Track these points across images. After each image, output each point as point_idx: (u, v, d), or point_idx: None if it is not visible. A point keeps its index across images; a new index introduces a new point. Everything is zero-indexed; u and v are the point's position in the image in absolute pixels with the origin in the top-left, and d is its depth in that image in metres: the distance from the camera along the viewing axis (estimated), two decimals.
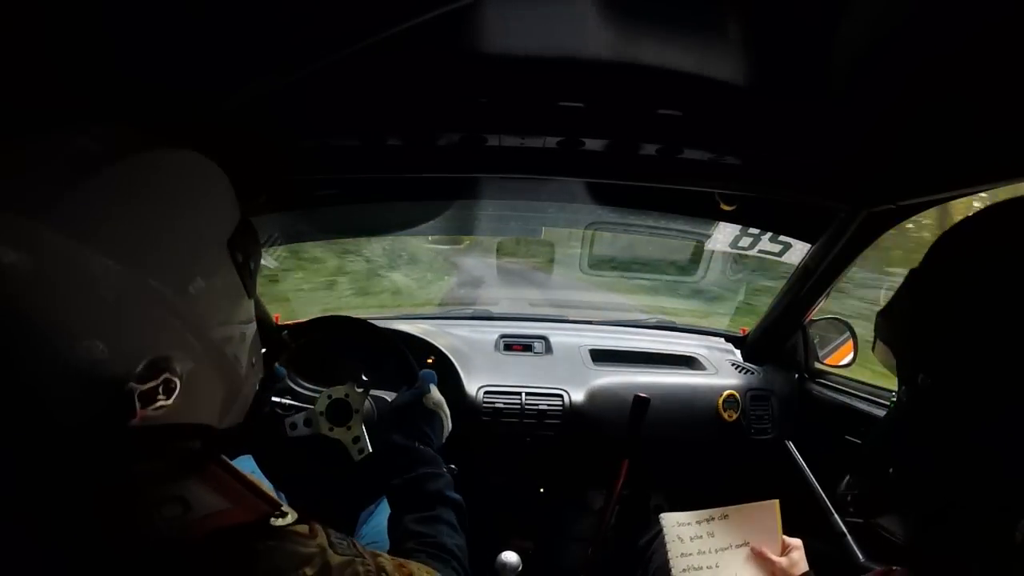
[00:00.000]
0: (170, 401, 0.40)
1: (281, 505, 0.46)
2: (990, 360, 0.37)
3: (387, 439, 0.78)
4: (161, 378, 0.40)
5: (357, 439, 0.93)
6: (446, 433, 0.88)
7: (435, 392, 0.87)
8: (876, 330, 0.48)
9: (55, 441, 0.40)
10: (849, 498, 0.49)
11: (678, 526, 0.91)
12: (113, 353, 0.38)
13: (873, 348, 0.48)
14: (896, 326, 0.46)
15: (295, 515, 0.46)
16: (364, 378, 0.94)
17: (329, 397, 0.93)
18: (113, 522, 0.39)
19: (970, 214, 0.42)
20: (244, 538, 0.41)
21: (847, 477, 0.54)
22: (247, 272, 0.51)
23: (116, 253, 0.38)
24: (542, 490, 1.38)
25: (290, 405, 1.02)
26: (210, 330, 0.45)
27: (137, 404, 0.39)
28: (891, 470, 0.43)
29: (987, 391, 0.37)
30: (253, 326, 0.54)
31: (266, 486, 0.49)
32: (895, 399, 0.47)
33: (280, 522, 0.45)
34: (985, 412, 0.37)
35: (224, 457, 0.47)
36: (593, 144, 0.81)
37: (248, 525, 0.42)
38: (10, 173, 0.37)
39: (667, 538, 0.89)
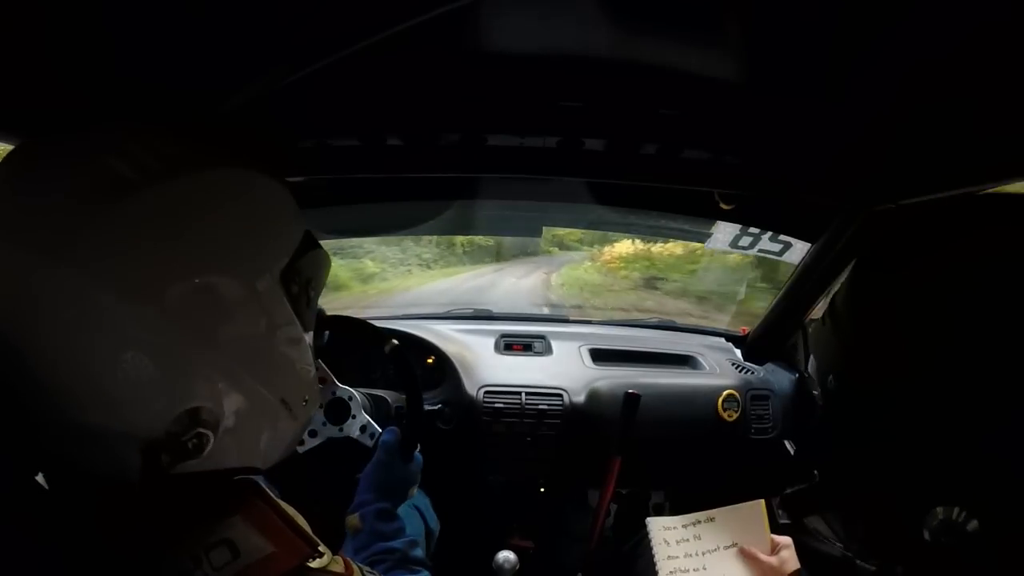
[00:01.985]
0: (203, 454, 0.39)
1: (318, 544, 0.45)
2: (884, 362, 0.38)
3: (376, 501, 0.75)
4: (191, 433, 0.38)
5: (364, 428, 0.94)
6: None
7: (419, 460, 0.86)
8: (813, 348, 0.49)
9: (84, 487, 0.38)
10: (778, 500, 0.50)
11: (664, 530, 0.91)
12: (135, 408, 0.36)
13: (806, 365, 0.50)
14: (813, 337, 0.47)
15: (330, 554, 0.46)
16: (374, 392, 0.95)
17: (333, 393, 0.94)
18: (152, 570, 0.37)
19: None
20: None
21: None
22: (303, 303, 0.46)
23: (137, 298, 0.34)
24: (542, 490, 1.38)
25: None
26: (254, 375, 0.42)
27: (165, 460, 0.37)
28: (815, 472, 0.44)
29: (883, 390, 0.38)
30: (308, 360, 0.49)
31: (300, 518, 0.47)
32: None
33: (317, 563, 0.44)
34: (884, 411, 0.38)
35: (268, 491, 0.46)
36: (593, 144, 0.81)
37: (288, 572, 0.41)
38: (28, 206, 0.34)
39: (653, 542, 0.90)
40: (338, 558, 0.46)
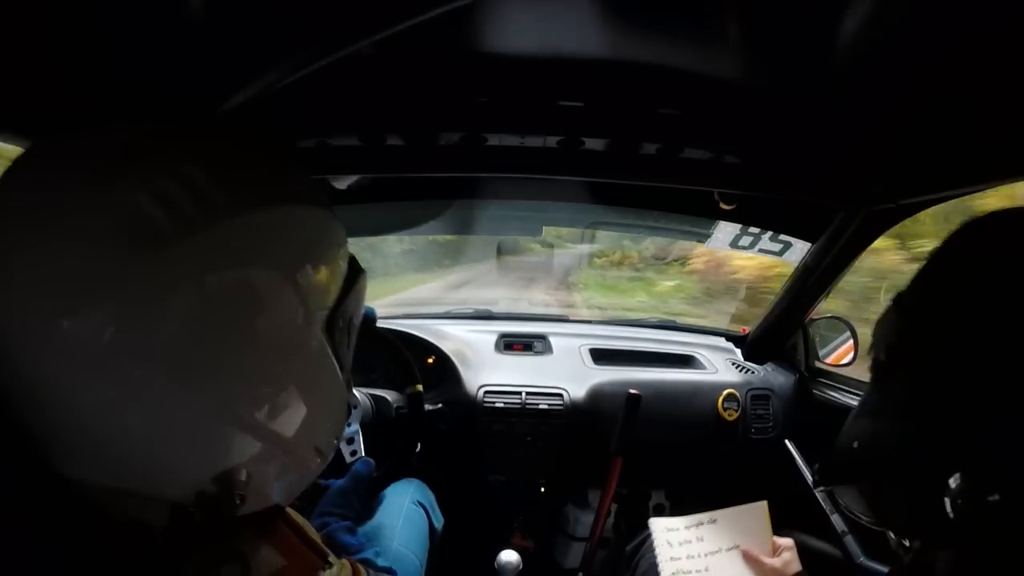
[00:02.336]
0: (237, 511, 0.37)
1: (328, 555, 0.44)
2: (933, 344, 0.39)
3: (347, 524, 0.73)
4: (227, 494, 0.36)
5: (351, 440, 0.93)
6: None
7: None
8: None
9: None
10: (816, 466, 0.51)
11: (667, 531, 0.91)
12: (170, 471, 0.34)
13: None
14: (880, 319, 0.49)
15: (339, 563, 0.45)
16: (376, 393, 0.94)
17: None
18: None
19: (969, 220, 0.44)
20: None
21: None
22: (344, 345, 0.44)
23: (176, 363, 0.32)
24: (543, 489, 1.38)
25: None
26: (292, 432, 0.39)
27: (199, 518, 0.36)
28: (855, 444, 0.45)
29: (929, 365, 0.39)
30: (343, 403, 0.47)
31: (311, 529, 0.46)
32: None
33: (327, 574, 0.43)
34: (933, 390, 0.39)
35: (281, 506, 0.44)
36: (593, 143, 0.81)
37: None
38: (41, 246, 0.30)
39: (656, 544, 0.90)
40: (345, 563, 0.46)
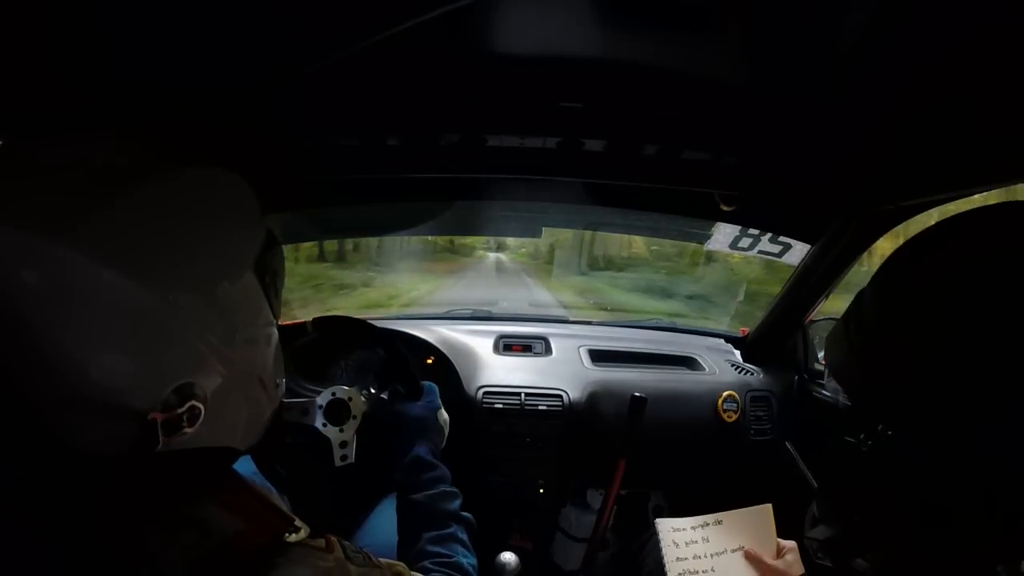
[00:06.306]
0: (194, 428, 0.40)
1: (294, 520, 0.45)
2: (950, 412, 0.36)
3: (408, 451, 0.79)
4: (186, 405, 0.39)
5: (344, 444, 0.92)
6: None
7: (443, 409, 0.90)
8: (826, 359, 0.48)
9: (67, 464, 0.38)
10: (816, 544, 0.49)
11: (673, 531, 0.91)
12: (135, 380, 0.37)
13: (825, 376, 0.49)
14: (848, 370, 0.46)
15: (308, 529, 0.46)
16: (372, 390, 0.94)
17: (333, 394, 0.93)
18: (125, 548, 0.38)
19: (907, 239, 0.42)
20: (262, 558, 0.40)
21: (810, 516, 0.54)
22: (273, 292, 0.50)
23: (139, 274, 0.36)
24: (542, 490, 1.38)
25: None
26: (237, 353, 0.44)
27: (160, 433, 0.38)
28: (856, 518, 0.43)
29: (949, 441, 0.37)
30: (278, 346, 0.52)
31: (275, 497, 0.49)
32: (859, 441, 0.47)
33: (294, 538, 0.44)
34: (949, 462, 0.37)
35: (238, 472, 0.47)
36: (593, 144, 0.81)
37: (264, 546, 0.41)
38: (32, 189, 0.36)
39: (662, 543, 0.90)
40: (320, 537, 0.46)
